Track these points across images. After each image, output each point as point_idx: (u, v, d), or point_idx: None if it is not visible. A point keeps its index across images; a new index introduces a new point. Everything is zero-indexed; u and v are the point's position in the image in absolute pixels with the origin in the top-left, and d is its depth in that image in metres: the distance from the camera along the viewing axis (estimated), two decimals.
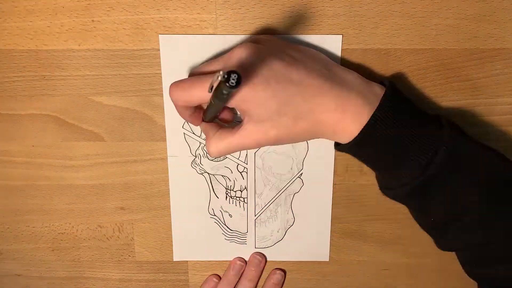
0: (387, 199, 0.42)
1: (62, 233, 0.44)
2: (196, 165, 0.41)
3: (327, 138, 0.35)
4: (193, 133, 0.40)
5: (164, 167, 0.41)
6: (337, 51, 0.38)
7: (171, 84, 0.33)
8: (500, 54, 0.38)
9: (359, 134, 0.33)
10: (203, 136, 0.40)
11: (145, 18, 0.37)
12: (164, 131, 0.40)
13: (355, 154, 0.36)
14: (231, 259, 0.44)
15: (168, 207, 0.43)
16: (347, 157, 0.41)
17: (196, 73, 0.35)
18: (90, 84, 0.39)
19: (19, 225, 0.43)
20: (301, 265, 0.44)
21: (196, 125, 0.38)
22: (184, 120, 0.39)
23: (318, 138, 0.35)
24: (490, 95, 0.39)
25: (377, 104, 0.33)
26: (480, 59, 0.38)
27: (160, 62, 0.38)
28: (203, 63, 0.37)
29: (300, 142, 0.40)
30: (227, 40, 0.37)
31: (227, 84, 0.26)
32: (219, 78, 0.26)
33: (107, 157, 0.41)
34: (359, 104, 0.33)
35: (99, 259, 0.45)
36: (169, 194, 0.42)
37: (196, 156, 0.41)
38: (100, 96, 0.39)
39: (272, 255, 0.44)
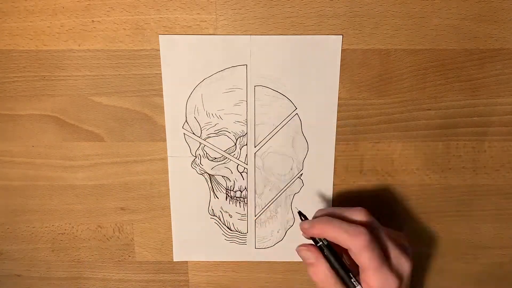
0: (388, 199, 0.42)
1: (62, 234, 0.44)
2: (196, 166, 0.41)
3: None
4: (193, 133, 0.40)
5: (164, 167, 0.41)
6: (337, 52, 0.38)
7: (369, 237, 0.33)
8: (500, 54, 0.38)
9: None
10: (203, 136, 0.40)
11: (145, 19, 0.37)
12: (164, 132, 0.40)
13: None
14: (231, 259, 0.44)
15: (168, 208, 0.43)
16: (347, 157, 0.41)
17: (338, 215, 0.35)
18: (90, 85, 0.39)
19: (19, 225, 0.43)
20: (301, 266, 0.44)
21: (308, 235, 0.36)
22: (184, 120, 0.40)
23: None
24: (490, 95, 0.39)
25: None
26: (480, 59, 0.38)
27: (160, 62, 0.38)
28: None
29: (300, 141, 0.40)
30: (227, 41, 0.37)
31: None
32: None
33: (107, 157, 0.41)
34: None
35: (99, 260, 0.45)
36: (169, 194, 0.42)
37: (196, 157, 0.41)
38: (100, 97, 0.39)
39: (272, 256, 0.44)
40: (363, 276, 0.33)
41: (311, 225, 0.35)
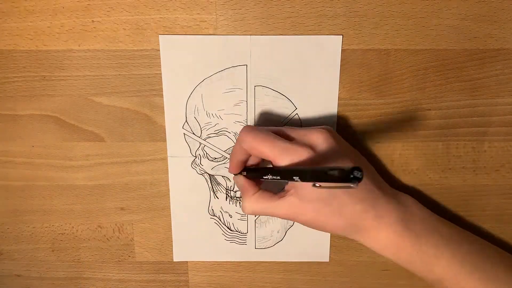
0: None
1: (62, 234, 0.44)
2: (196, 166, 0.41)
3: (357, 240, 0.36)
4: (193, 133, 0.40)
5: (164, 167, 0.41)
6: (337, 52, 0.38)
7: (249, 128, 0.34)
8: (500, 54, 0.38)
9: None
10: (203, 136, 0.40)
11: (145, 19, 0.37)
12: (164, 132, 0.40)
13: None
14: (231, 259, 0.44)
15: (168, 208, 0.43)
16: None
17: (270, 131, 0.35)
18: (90, 85, 0.39)
19: (19, 226, 0.43)
20: (301, 266, 0.44)
21: (233, 173, 0.38)
22: (184, 120, 0.40)
23: (347, 236, 0.36)
24: (490, 95, 0.39)
25: (407, 223, 0.35)
26: (480, 60, 0.38)
27: (160, 62, 0.38)
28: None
29: None
30: (227, 41, 0.37)
31: (352, 177, 0.25)
32: (344, 170, 0.26)
33: (107, 157, 0.41)
34: (393, 218, 0.35)
35: (99, 260, 0.45)
36: (169, 194, 0.42)
37: (196, 157, 0.41)
38: (100, 97, 0.39)
39: (272, 256, 0.44)
40: (274, 165, 0.34)
41: (229, 165, 0.38)
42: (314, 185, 0.30)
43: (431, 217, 0.37)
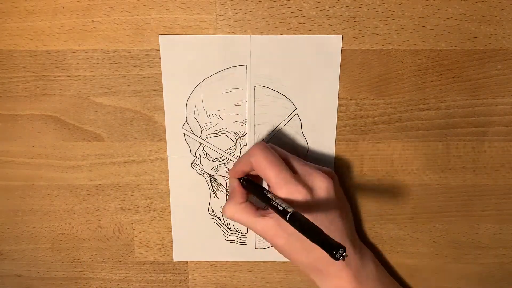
0: (388, 199, 0.42)
1: (62, 234, 0.44)
2: (196, 166, 0.41)
3: (313, 280, 0.38)
4: (193, 133, 0.40)
5: (164, 167, 0.41)
6: (337, 52, 0.38)
7: (263, 145, 0.36)
8: (500, 54, 0.38)
9: None
10: (203, 136, 0.40)
11: (145, 19, 0.37)
12: (164, 132, 0.40)
13: None
14: (231, 259, 0.44)
15: (168, 208, 0.43)
16: (347, 157, 0.41)
17: (279, 157, 0.36)
18: (90, 85, 0.39)
19: (19, 226, 0.43)
20: None
21: (232, 177, 0.38)
22: (184, 120, 0.40)
23: (306, 275, 0.38)
24: (490, 95, 0.39)
25: (362, 278, 0.37)
26: (480, 60, 0.38)
27: (160, 62, 0.38)
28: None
29: (300, 141, 0.40)
30: (227, 41, 0.37)
31: (334, 253, 0.26)
32: (331, 245, 0.26)
33: (107, 157, 0.41)
34: (351, 274, 0.37)
35: (99, 260, 0.45)
36: (169, 194, 0.42)
37: (196, 157, 0.41)
38: (100, 97, 0.39)
39: (272, 256, 0.44)
40: (271, 190, 0.35)
41: (232, 168, 0.39)
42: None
43: (386, 278, 0.41)
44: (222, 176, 0.41)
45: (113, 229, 0.43)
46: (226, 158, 0.41)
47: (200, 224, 0.43)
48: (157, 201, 0.42)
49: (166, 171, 0.41)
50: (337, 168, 0.41)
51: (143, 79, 0.39)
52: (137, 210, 0.43)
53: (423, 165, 0.41)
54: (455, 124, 0.40)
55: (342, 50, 0.38)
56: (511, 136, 0.40)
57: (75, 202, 0.42)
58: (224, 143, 0.40)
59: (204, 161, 0.41)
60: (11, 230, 0.44)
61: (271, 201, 0.33)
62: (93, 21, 0.37)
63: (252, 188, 0.37)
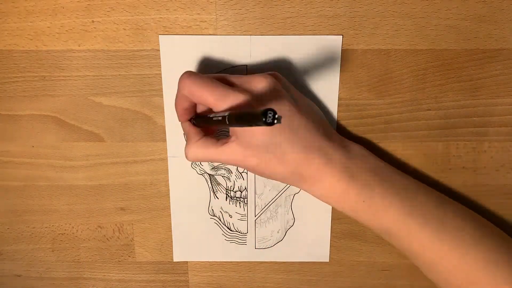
0: None
1: (62, 234, 0.44)
2: (196, 166, 0.41)
3: (302, 189, 0.36)
4: None
5: (164, 167, 0.41)
6: (337, 52, 0.38)
7: (189, 73, 0.33)
8: (500, 54, 0.38)
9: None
10: None
11: (145, 19, 0.37)
12: (164, 132, 0.40)
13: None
14: (231, 259, 0.44)
15: (168, 208, 0.43)
16: None
17: (211, 77, 0.34)
18: (90, 85, 0.39)
19: (19, 226, 0.43)
20: (301, 266, 0.44)
21: (181, 121, 0.37)
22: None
23: (292, 185, 0.37)
24: (490, 95, 0.39)
25: (353, 172, 0.35)
26: (480, 60, 0.38)
27: (160, 62, 0.38)
28: (221, 72, 0.37)
29: None
30: (227, 41, 0.37)
31: (264, 120, 0.25)
32: (258, 113, 0.25)
33: (107, 157, 0.41)
34: (338, 167, 0.34)
35: (99, 260, 0.45)
36: (169, 194, 0.42)
37: None
38: (100, 97, 0.39)
39: (272, 256, 0.44)
40: (215, 110, 0.33)
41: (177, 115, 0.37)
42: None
43: (384, 167, 0.37)
44: (222, 176, 0.41)
45: (113, 229, 0.43)
46: None
47: (200, 224, 0.43)
48: (157, 201, 0.42)
49: (166, 171, 0.41)
50: None
51: (143, 79, 0.39)
52: (137, 210, 0.43)
53: (423, 165, 0.41)
54: (455, 124, 0.40)
55: (342, 50, 0.38)
56: (511, 136, 0.40)
57: (75, 202, 0.42)
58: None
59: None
60: (11, 230, 0.44)
61: (214, 118, 0.31)
62: (93, 21, 0.37)
63: (202, 121, 0.35)
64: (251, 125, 0.26)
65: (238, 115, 0.28)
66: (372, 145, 0.40)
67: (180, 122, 0.38)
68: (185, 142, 0.40)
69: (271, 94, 0.33)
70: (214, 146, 0.34)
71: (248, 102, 0.31)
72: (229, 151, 0.34)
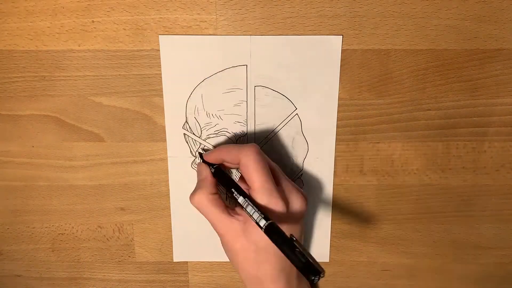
0: (387, 199, 0.42)
1: (62, 234, 0.44)
2: (196, 166, 0.41)
3: None
4: (193, 133, 0.40)
5: (164, 167, 0.41)
6: (337, 52, 0.38)
7: (258, 150, 0.34)
8: (500, 54, 0.38)
9: None
10: (203, 136, 0.40)
11: (145, 19, 0.37)
12: (164, 132, 0.40)
13: None
14: None
15: (168, 208, 0.43)
16: (347, 157, 0.41)
17: (269, 166, 0.35)
18: (90, 85, 0.39)
19: (19, 226, 0.43)
20: None
21: (206, 160, 0.38)
22: (184, 121, 0.40)
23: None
24: (490, 95, 0.39)
25: None
26: (480, 60, 0.38)
27: (160, 62, 0.38)
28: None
29: (300, 141, 0.40)
30: (227, 41, 0.37)
31: (312, 277, 0.26)
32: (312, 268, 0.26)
33: (107, 157, 0.41)
34: None
35: (99, 260, 0.45)
36: (169, 194, 0.42)
37: (196, 157, 0.41)
38: (100, 97, 0.39)
39: None
40: (251, 192, 0.34)
41: (209, 152, 0.38)
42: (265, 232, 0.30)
43: None
44: None
45: (113, 229, 0.43)
46: None
47: (200, 224, 0.43)
48: (157, 201, 0.42)
49: (166, 171, 0.41)
50: (337, 168, 0.41)
51: (143, 79, 0.39)
52: (137, 210, 0.43)
53: (423, 165, 0.41)
54: (455, 124, 0.40)
55: (342, 50, 0.38)
56: (511, 136, 0.40)
57: (75, 202, 0.42)
58: (224, 143, 0.40)
59: None
60: (11, 230, 0.44)
61: (248, 203, 0.32)
62: (93, 21, 0.37)
63: (225, 181, 0.36)
64: (288, 258, 0.27)
65: (283, 239, 0.29)
66: (372, 145, 0.40)
67: (200, 161, 0.39)
68: (185, 142, 0.40)
69: (299, 217, 0.35)
70: (221, 211, 0.35)
71: (280, 216, 0.33)
72: (229, 225, 0.34)
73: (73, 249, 0.44)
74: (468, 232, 0.43)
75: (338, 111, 0.39)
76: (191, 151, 0.41)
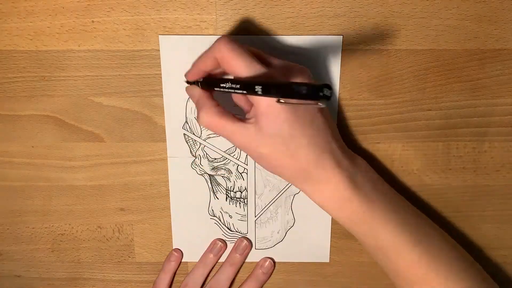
0: None
1: (61, 234, 0.44)
2: (196, 166, 0.41)
3: (303, 190, 0.35)
4: (193, 133, 0.40)
5: (164, 168, 0.41)
6: (338, 52, 0.38)
7: (229, 38, 0.31)
8: (500, 54, 0.38)
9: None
10: (203, 136, 0.40)
11: (145, 19, 0.37)
12: (164, 132, 0.40)
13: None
14: None
15: (168, 208, 0.43)
16: None
17: (250, 51, 0.32)
18: (90, 85, 0.39)
19: (19, 226, 0.43)
20: (301, 266, 0.44)
21: (189, 79, 0.35)
22: (184, 121, 0.40)
23: (295, 186, 0.35)
24: (490, 95, 0.39)
25: (357, 181, 0.34)
26: (480, 60, 0.38)
27: (160, 62, 0.38)
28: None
29: None
30: None
31: (321, 94, 0.23)
32: (314, 86, 0.24)
33: (107, 158, 0.41)
34: (345, 176, 0.33)
35: (99, 260, 0.44)
36: (169, 195, 0.42)
37: (196, 157, 0.41)
38: (100, 97, 0.39)
39: (273, 256, 0.44)
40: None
41: (188, 71, 0.35)
42: (278, 101, 0.27)
43: (383, 184, 0.37)
44: (222, 176, 0.41)
45: (113, 230, 0.43)
46: (226, 158, 0.41)
47: (200, 224, 0.43)
48: (157, 201, 0.42)
49: (166, 172, 0.41)
50: None
51: (143, 79, 0.39)
52: (137, 210, 0.43)
53: (423, 165, 0.41)
54: (455, 124, 0.40)
55: (343, 51, 0.38)
56: (511, 136, 0.40)
57: (75, 202, 0.42)
58: (224, 143, 0.40)
59: (204, 162, 0.41)
60: (11, 230, 0.44)
61: (240, 82, 0.29)
62: (93, 21, 0.37)
63: (215, 84, 0.32)
64: (297, 97, 0.24)
65: (282, 86, 0.25)
66: (372, 145, 0.40)
67: (185, 87, 0.36)
68: (185, 142, 0.40)
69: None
70: (231, 121, 0.32)
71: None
72: (246, 132, 0.32)
73: (73, 250, 0.44)
74: (469, 232, 0.43)
75: (338, 111, 0.39)
76: (191, 151, 0.41)
